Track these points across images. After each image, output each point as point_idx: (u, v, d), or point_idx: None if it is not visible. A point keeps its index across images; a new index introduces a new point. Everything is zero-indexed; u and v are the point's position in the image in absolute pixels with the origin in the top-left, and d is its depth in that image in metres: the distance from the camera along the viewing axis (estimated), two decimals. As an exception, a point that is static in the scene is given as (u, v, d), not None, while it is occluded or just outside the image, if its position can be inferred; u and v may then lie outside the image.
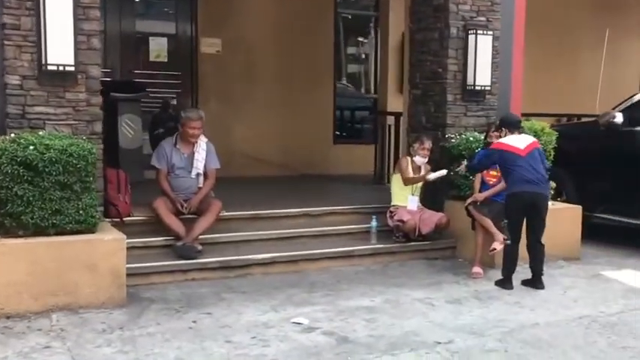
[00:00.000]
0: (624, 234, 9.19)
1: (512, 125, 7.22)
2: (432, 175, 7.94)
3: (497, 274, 7.28)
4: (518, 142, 7.05)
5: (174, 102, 11.25)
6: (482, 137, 7.97)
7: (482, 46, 8.34)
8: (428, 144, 8.04)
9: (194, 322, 5.70)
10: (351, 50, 14.30)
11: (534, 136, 8.16)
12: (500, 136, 7.23)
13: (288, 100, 11.72)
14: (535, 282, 7.03)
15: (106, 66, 6.68)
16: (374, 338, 5.43)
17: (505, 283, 6.99)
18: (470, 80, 8.39)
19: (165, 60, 11.48)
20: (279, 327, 5.62)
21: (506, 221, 7.08)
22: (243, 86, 11.46)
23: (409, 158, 8.18)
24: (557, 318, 6.09)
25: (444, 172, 7.94)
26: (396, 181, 8.21)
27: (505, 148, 7.00)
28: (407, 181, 8.05)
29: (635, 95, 9.17)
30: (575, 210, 8.44)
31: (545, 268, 7.47)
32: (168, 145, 7.52)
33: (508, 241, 7.03)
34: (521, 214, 6.95)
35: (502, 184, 7.51)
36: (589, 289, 7.04)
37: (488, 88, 8.51)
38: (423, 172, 8.12)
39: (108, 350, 5.06)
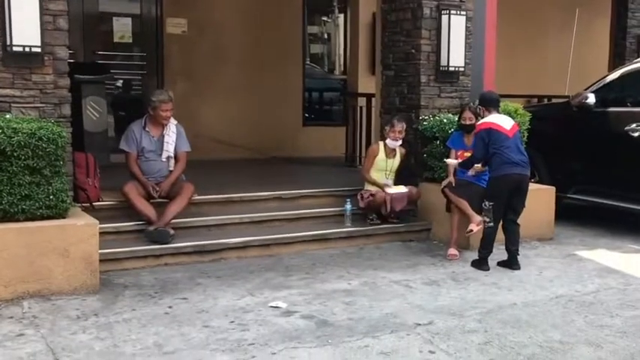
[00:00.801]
0: (596, 214, 9.39)
1: (493, 103, 7.28)
2: (392, 190, 8.03)
3: (473, 256, 7.38)
4: (504, 122, 7.12)
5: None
6: (456, 119, 8.04)
7: (455, 27, 8.39)
8: (400, 126, 8.08)
9: (170, 307, 5.71)
10: (313, 30, 14.30)
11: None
12: (480, 116, 7.30)
13: (256, 81, 11.71)
14: (511, 263, 7.13)
15: (69, 47, 6.58)
16: (353, 321, 5.49)
17: (482, 264, 7.10)
18: (444, 61, 8.45)
19: (130, 41, 11.40)
20: (257, 311, 5.65)
21: (490, 203, 7.08)
22: (210, 67, 11.43)
23: (381, 144, 8.24)
24: (534, 298, 6.21)
25: (403, 189, 8.06)
26: (367, 166, 8.30)
27: (495, 127, 7.04)
28: (362, 178, 8.18)
29: (607, 76, 9.32)
30: (549, 191, 8.59)
31: (520, 249, 7.61)
32: (137, 127, 7.48)
33: (490, 224, 7.10)
34: (507, 196, 7.04)
35: (481, 166, 7.63)
36: (564, 269, 7.17)
37: (462, 69, 8.59)
38: (397, 156, 8.21)
39: (84, 337, 5.05)
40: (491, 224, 7.09)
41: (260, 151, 11.53)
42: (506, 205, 7.10)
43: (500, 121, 7.11)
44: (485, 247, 7.13)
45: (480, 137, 7.17)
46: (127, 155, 7.42)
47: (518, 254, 7.17)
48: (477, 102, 7.66)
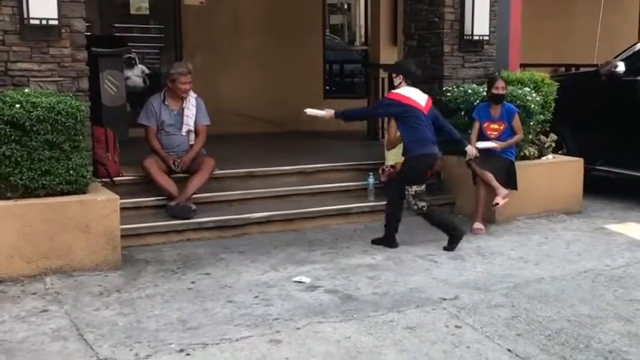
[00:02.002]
0: (626, 187, 9.34)
1: (411, 76, 6.90)
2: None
3: (499, 230, 7.41)
4: (417, 97, 6.80)
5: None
6: (483, 90, 8.00)
7: (479, -6, 8.36)
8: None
9: (193, 282, 5.78)
10: (333, 0, 14.24)
11: (534, 87, 8.27)
12: (395, 84, 6.96)
13: (276, 53, 11.70)
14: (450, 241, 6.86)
15: (86, 20, 6.62)
16: (378, 296, 5.54)
17: (390, 241, 6.89)
18: (467, 30, 8.42)
19: (147, 13, 11.41)
20: (281, 286, 5.71)
21: (417, 188, 6.84)
22: (230, 39, 11.42)
23: None
24: (562, 272, 6.22)
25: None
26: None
27: (408, 101, 6.73)
28: (390, 145, 8.13)
29: (636, 44, 9.24)
30: (577, 163, 8.56)
31: (546, 222, 7.64)
32: (157, 101, 7.52)
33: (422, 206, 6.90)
34: (423, 175, 6.85)
35: (518, 137, 7.63)
36: (592, 243, 7.17)
37: (487, 37, 8.56)
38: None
39: (107, 313, 5.13)
40: (394, 201, 6.91)
41: (280, 125, 11.55)
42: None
43: (416, 96, 6.79)
44: (392, 223, 6.91)
45: (386, 104, 6.96)
46: (147, 130, 7.47)
47: (455, 229, 6.90)
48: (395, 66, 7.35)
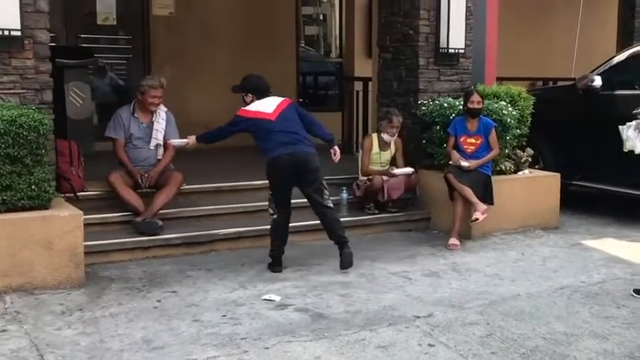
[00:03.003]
0: (603, 202, 9.44)
1: (260, 92, 6.86)
2: (398, 171, 8.09)
3: (475, 246, 7.45)
4: (266, 106, 6.74)
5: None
6: (459, 104, 8.07)
7: (455, 6, 8.44)
8: (397, 121, 8.13)
9: (159, 301, 5.76)
10: (308, 11, 14.27)
11: (511, 101, 8.35)
12: (247, 102, 6.92)
13: (248, 65, 11.53)
14: (342, 256, 6.62)
15: (50, 30, 6.59)
16: (350, 314, 5.55)
17: (273, 264, 6.69)
18: (443, 43, 8.49)
19: (114, 23, 11.37)
20: (250, 304, 5.70)
21: (269, 193, 6.80)
22: (199, 51, 11.43)
23: (375, 136, 8.30)
24: (538, 289, 6.27)
25: (409, 170, 8.14)
26: (362, 155, 8.33)
27: (253, 115, 6.71)
28: (364, 173, 8.19)
29: (613, 58, 9.36)
30: (553, 178, 8.65)
31: (522, 238, 7.69)
32: (126, 113, 7.50)
33: (274, 215, 6.72)
34: (285, 180, 6.62)
35: (494, 153, 7.72)
36: (569, 259, 7.23)
37: (462, 51, 8.63)
38: (392, 149, 8.29)
39: (69, 332, 5.09)
40: (275, 216, 6.71)
41: (249, 138, 11.51)
42: (289, 192, 6.72)
43: (261, 106, 6.74)
44: (273, 243, 6.74)
45: (234, 122, 6.87)
46: (115, 142, 7.44)
47: (345, 240, 6.64)
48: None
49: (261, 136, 6.65)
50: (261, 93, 6.85)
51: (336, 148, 6.92)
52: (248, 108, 6.80)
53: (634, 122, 6.46)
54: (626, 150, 6.55)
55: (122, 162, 7.37)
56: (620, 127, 6.62)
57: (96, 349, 4.81)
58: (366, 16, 11.64)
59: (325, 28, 14.62)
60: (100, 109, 10.91)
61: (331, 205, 6.72)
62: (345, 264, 6.58)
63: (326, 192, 6.67)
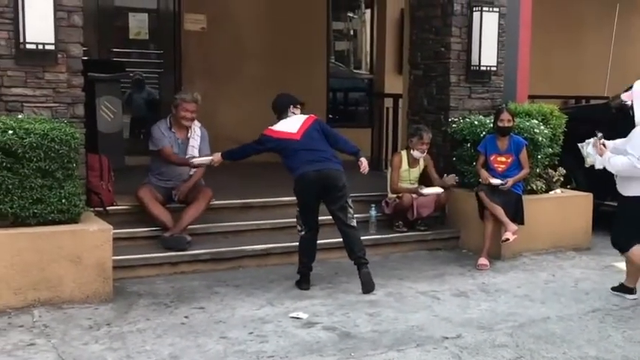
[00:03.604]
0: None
1: (282, 110, 6.90)
2: (427, 190, 8.05)
3: (505, 266, 7.40)
4: (290, 125, 6.74)
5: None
6: (489, 122, 8.03)
7: (487, 24, 8.41)
8: (427, 137, 8.10)
9: (186, 317, 5.77)
10: (339, 26, 14.28)
11: (543, 120, 8.30)
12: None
13: (278, 80, 11.67)
14: (361, 277, 6.57)
15: (83, 44, 6.67)
16: (378, 333, 5.52)
17: (301, 282, 6.69)
18: (474, 60, 8.46)
19: (147, 37, 11.47)
20: (277, 322, 5.70)
21: (297, 210, 6.81)
22: (230, 66, 11.47)
23: (404, 153, 8.26)
24: (569, 311, 6.20)
25: (439, 189, 8.07)
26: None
27: (278, 135, 6.73)
28: (394, 191, 8.15)
29: (648, 76, 9.25)
30: (586, 198, 8.56)
31: (553, 259, 7.62)
32: (164, 126, 7.51)
33: (302, 232, 6.72)
34: (311, 196, 6.62)
35: (525, 172, 7.68)
36: (601, 281, 7.13)
37: (494, 68, 8.59)
38: (421, 165, 8.24)
39: (96, 347, 5.11)
40: (302, 232, 6.72)
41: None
42: (316, 208, 6.71)
43: (287, 127, 6.74)
44: (301, 260, 6.75)
45: (261, 141, 6.86)
46: (162, 151, 7.38)
47: (365, 261, 6.60)
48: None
49: (288, 155, 6.68)
50: (284, 111, 6.88)
51: (363, 159, 6.89)
52: (274, 127, 6.83)
53: (592, 139, 6.66)
54: (587, 166, 6.85)
55: (178, 163, 7.35)
56: (580, 144, 6.86)
57: (123, 364, 4.84)
58: (397, 33, 11.64)
59: (355, 44, 14.63)
60: (135, 123, 11.03)
61: (354, 224, 6.67)
62: (367, 286, 6.52)
63: (350, 211, 6.64)
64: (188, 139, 7.49)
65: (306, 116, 6.85)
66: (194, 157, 7.42)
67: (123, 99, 10.25)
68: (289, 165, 6.68)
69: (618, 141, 6.61)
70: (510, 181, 7.65)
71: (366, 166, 6.90)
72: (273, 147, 6.79)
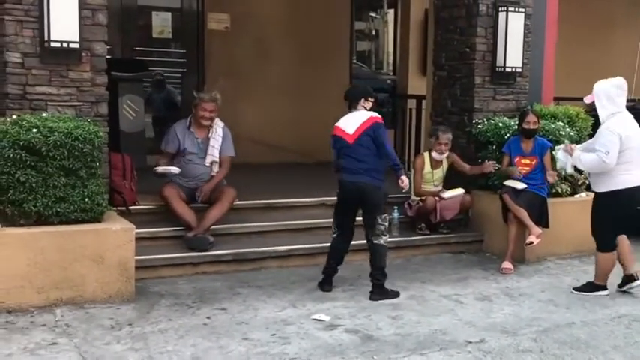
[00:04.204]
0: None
1: (351, 101, 6.76)
2: (447, 194, 8.01)
3: (529, 270, 7.36)
4: (350, 123, 6.61)
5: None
6: (514, 123, 7.99)
7: (513, 25, 8.38)
8: (445, 138, 8.05)
9: (208, 317, 5.78)
10: (361, 26, 14.25)
11: (568, 122, 8.24)
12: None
13: (301, 80, 11.73)
14: (372, 288, 6.53)
15: (107, 43, 6.70)
16: (400, 336, 5.51)
17: (323, 283, 6.68)
18: (500, 61, 8.42)
19: (170, 36, 11.48)
20: (299, 324, 5.70)
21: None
22: (254, 66, 11.47)
23: (426, 155, 8.23)
24: (594, 317, 6.16)
25: (460, 191, 8.03)
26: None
27: (336, 132, 6.65)
28: (417, 194, 8.11)
29: (676, 78, 9.18)
30: (611, 201, 8.46)
31: (578, 263, 7.56)
32: (181, 127, 7.53)
33: (334, 234, 6.72)
34: (345, 203, 6.64)
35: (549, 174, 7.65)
36: (627, 287, 7.08)
37: (520, 69, 8.55)
38: (444, 166, 8.20)
39: (118, 347, 5.13)
40: (334, 235, 6.72)
41: (304, 155, 11.54)
42: (349, 214, 6.66)
43: (346, 124, 6.61)
44: (328, 261, 6.74)
45: (332, 142, 6.76)
46: (163, 153, 7.55)
47: (377, 281, 6.50)
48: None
49: (339, 154, 6.64)
50: (353, 103, 6.74)
51: (404, 178, 6.66)
52: (338, 123, 6.73)
53: (562, 145, 7.12)
54: (557, 170, 7.40)
55: (159, 175, 7.37)
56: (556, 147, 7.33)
57: (145, 365, 4.85)
58: (421, 33, 11.60)
59: (377, 44, 14.60)
60: (157, 123, 11.05)
61: (380, 242, 6.52)
62: (373, 298, 6.43)
63: (380, 228, 6.51)
64: (209, 139, 7.49)
65: (368, 116, 6.61)
66: (158, 165, 7.42)
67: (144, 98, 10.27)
68: (338, 164, 6.65)
69: (588, 141, 7.00)
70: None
71: (406, 185, 6.73)
72: (333, 145, 6.71)
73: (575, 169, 7.24)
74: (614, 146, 6.37)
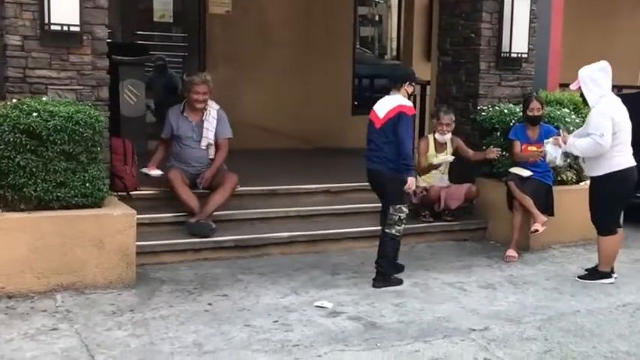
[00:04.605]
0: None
1: (395, 82, 6.63)
2: (437, 160, 8.03)
3: (534, 258, 7.37)
4: (384, 107, 6.52)
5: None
6: (520, 110, 7.97)
7: (519, 9, 8.35)
8: (447, 118, 8.02)
9: (210, 304, 5.79)
10: (364, 11, 14.21)
11: (574, 109, 8.23)
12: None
13: (303, 66, 11.72)
14: (375, 275, 6.53)
15: (108, 26, 6.68)
16: (404, 324, 5.52)
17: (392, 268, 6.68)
18: (505, 47, 8.40)
19: (171, 20, 11.48)
20: (302, 311, 5.71)
21: None
22: (255, 50, 11.45)
23: (431, 137, 8.22)
24: (599, 305, 6.17)
25: (450, 157, 8.03)
26: (420, 159, 8.26)
27: (371, 115, 6.61)
28: (421, 173, 8.09)
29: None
30: (617, 189, 8.46)
31: (583, 252, 7.58)
32: (174, 113, 7.55)
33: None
34: (372, 187, 6.74)
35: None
36: (632, 275, 7.11)
37: (525, 55, 8.53)
38: (449, 149, 8.16)
39: (119, 333, 5.14)
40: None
41: (306, 141, 11.55)
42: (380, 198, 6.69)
43: (380, 107, 6.53)
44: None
45: None
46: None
47: (380, 268, 6.49)
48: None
49: (367, 136, 6.63)
50: (396, 84, 6.60)
51: (409, 179, 6.45)
52: (375, 105, 6.66)
53: (551, 139, 7.22)
54: (547, 162, 7.45)
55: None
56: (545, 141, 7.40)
57: (146, 351, 4.86)
58: (425, 18, 11.60)
59: (381, 30, 14.56)
60: (158, 108, 11.05)
61: (391, 231, 6.49)
62: (376, 285, 6.44)
63: (392, 217, 6.48)
64: (202, 121, 7.49)
65: (397, 104, 6.45)
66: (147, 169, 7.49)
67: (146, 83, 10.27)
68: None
69: (577, 131, 7.11)
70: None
71: (411, 186, 6.55)
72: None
73: (568, 156, 7.41)
74: (607, 128, 6.48)
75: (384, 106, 6.52)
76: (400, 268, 6.74)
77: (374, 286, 6.41)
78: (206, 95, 7.47)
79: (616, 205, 6.80)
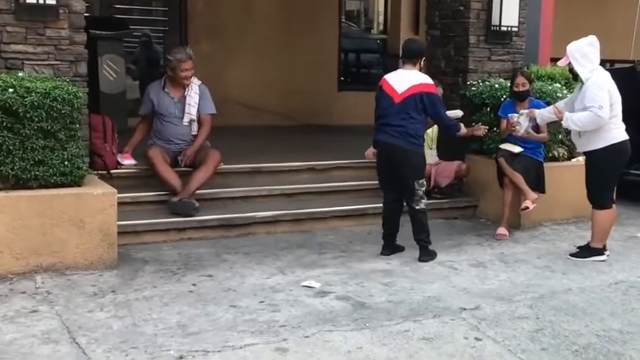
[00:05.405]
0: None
1: (409, 57, 6.67)
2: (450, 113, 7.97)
3: (525, 236, 7.40)
4: (400, 82, 6.56)
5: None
6: (509, 84, 7.97)
7: (509, -19, 8.33)
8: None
9: (194, 285, 5.79)
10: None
11: (566, 84, 8.23)
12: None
13: (288, 40, 11.69)
14: (419, 253, 6.71)
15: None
16: (393, 304, 5.53)
17: (382, 247, 6.83)
18: (495, 20, 8.40)
19: (151, -7, 11.41)
20: (289, 291, 5.71)
21: None
22: (238, 24, 11.41)
23: None
24: (591, 283, 6.21)
25: (459, 112, 7.95)
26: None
27: (385, 87, 6.61)
28: None
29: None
30: (609, 166, 8.50)
31: (575, 229, 7.61)
32: (155, 89, 7.52)
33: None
34: (381, 164, 6.77)
35: (542, 136, 7.62)
36: (624, 252, 7.16)
37: (516, 29, 8.54)
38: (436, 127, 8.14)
39: (101, 315, 5.13)
40: (383, 201, 6.87)
41: (291, 118, 11.54)
42: (388, 178, 6.74)
43: (397, 81, 6.59)
44: (382, 225, 6.87)
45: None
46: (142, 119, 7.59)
47: (424, 244, 6.69)
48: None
49: (379, 112, 6.65)
50: (411, 59, 6.65)
51: (462, 130, 6.93)
52: (388, 77, 6.71)
53: (525, 110, 7.40)
54: (519, 135, 7.47)
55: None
56: (510, 115, 7.53)
57: (129, 332, 4.85)
58: (412, -9, 11.56)
59: (367, 3, 14.52)
60: (143, 84, 11.00)
61: (420, 207, 6.62)
62: (423, 259, 6.64)
63: (419, 193, 6.58)
64: (185, 97, 7.45)
65: (421, 81, 6.54)
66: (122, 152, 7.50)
67: (127, 59, 10.20)
68: (376, 120, 6.69)
69: (561, 103, 7.22)
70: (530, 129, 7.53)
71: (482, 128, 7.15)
72: (377, 97, 6.71)
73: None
74: (605, 100, 6.57)
75: (403, 81, 6.55)
76: (400, 249, 6.82)
77: (421, 260, 6.58)
78: (192, 71, 7.45)
79: (612, 178, 6.88)
